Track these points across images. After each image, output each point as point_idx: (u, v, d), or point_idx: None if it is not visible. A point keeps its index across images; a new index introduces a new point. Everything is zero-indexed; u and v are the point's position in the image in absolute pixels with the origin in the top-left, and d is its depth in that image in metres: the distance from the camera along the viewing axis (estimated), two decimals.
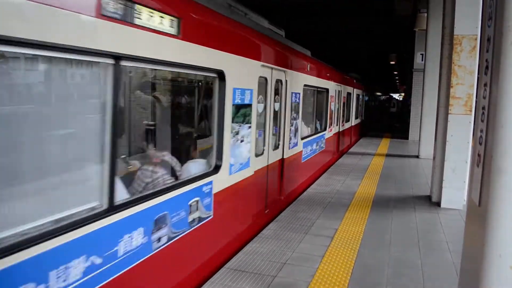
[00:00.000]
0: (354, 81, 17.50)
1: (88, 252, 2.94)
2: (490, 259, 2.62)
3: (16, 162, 2.80)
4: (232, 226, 5.50)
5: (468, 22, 7.40)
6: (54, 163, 3.13)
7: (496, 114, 2.58)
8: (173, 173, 4.50)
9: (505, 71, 2.54)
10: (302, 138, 8.87)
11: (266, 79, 6.36)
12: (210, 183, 4.69)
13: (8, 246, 2.40)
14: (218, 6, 4.92)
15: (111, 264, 3.18)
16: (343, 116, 14.70)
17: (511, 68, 2.53)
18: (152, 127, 5.05)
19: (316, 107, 10.97)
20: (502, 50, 2.54)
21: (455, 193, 7.71)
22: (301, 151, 8.83)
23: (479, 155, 2.80)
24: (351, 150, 16.01)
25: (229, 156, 5.12)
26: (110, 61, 3.08)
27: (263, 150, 6.45)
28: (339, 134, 14.14)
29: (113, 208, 3.19)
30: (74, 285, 2.83)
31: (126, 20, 3.17)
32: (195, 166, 4.80)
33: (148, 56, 3.51)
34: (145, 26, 3.40)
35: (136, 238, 3.46)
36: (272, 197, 6.95)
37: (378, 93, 41.06)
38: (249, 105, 5.62)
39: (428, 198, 8.50)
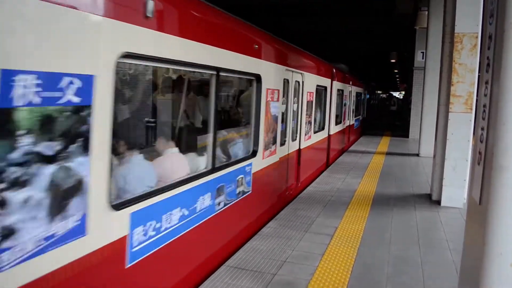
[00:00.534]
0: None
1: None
2: (490, 257, 2.61)
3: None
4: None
5: (469, 20, 7.38)
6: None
7: (497, 111, 2.56)
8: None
9: (507, 68, 2.52)
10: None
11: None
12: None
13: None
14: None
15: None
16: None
17: None
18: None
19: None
20: (504, 47, 2.53)
21: (456, 191, 7.70)
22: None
23: (480, 153, 2.79)
24: (352, 148, 16.01)
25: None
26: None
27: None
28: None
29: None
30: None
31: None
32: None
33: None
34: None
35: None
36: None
37: (379, 91, 41.06)
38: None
39: (428, 196, 8.50)
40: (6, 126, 2.24)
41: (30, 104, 2.34)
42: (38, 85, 2.36)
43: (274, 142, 6.77)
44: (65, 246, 2.65)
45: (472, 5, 7.39)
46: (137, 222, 3.40)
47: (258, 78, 5.93)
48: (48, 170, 2.49)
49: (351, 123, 17.00)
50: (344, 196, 8.22)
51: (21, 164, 2.32)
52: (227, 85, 7.40)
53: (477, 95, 7.21)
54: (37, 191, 2.42)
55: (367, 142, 17.85)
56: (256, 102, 6.00)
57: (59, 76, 2.51)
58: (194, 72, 5.65)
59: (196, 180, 4.38)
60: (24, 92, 2.29)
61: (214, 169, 4.77)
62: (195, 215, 4.36)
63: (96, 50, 2.84)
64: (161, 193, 3.75)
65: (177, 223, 4.02)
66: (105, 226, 3.04)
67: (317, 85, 9.83)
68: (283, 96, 7.15)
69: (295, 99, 8.06)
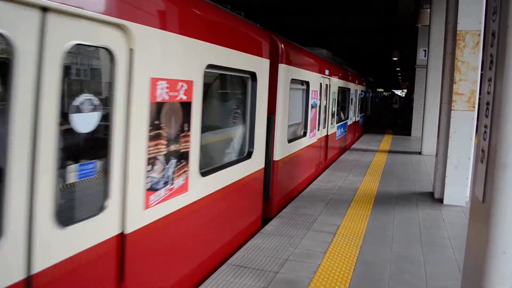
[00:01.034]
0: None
1: None
2: (494, 256, 2.60)
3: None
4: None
5: (472, 18, 7.35)
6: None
7: (500, 109, 2.55)
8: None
9: (510, 66, 2.51)
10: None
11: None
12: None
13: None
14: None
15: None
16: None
17: None
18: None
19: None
20: (507, 44, 2.51)
21: (458, 189, 7.69)
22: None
23: (483, 151, 2.78)
24: (354, 146, 16.00)
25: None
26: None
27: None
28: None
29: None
30: None
31: None
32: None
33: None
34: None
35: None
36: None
37: (380, 89, 40.98)
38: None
39: (430, 194, 8.48)
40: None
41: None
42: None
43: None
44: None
45: (475, 3, 7.36)
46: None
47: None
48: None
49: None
50: (346, 194, 8.22)
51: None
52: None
53: (479, 93, 7.19)
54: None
55: (369, 140, 17.83)
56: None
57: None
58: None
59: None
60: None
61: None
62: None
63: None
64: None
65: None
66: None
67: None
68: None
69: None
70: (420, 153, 14.28)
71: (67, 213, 2.83)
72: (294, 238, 5.68)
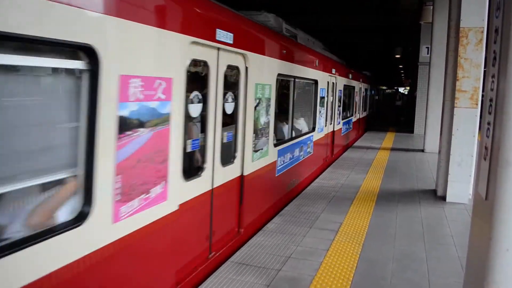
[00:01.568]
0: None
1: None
2: (497, 254, 2.59)
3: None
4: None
5: (475, 15, 7.31)
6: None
7: (504, 106, 2.53)
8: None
9: None
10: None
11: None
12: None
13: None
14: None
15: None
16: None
17: None
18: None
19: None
20: (511, 41, 2.50)
21: (461, 187, 7.66)
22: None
23: (486, 148, 2.76)
24: (356, 144, 15.97)
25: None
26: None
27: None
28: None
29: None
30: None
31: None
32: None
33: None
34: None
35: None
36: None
37: (383, 87, 40.90)
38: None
39: (433, 192, 8.46)
40: None
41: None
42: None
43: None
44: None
45: (478, 0, 7.33)
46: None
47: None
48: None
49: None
50: (349, 191, 8.21)
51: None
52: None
53: (483, 90, 7.16)
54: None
55: (372, 138, 17.79)
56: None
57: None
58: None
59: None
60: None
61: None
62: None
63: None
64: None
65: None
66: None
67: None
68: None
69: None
70: (423, 150, 14.25)
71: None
72: (297, 236, 5.68)
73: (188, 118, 4.07)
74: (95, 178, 2.81)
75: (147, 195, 3.36)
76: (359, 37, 25.88)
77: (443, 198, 7.86)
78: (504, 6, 2.61)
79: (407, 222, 6.50)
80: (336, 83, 11.76)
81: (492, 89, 2.74)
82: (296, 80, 7.95)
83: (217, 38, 4.41)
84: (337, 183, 8.95)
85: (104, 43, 2.78)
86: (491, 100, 2.74)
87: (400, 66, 40.91)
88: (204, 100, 4.34)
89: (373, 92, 23.83)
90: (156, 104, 3.39)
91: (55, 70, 2.70)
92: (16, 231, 2.49)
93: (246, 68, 5.25)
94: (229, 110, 4.94)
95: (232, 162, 5.12)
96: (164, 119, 3.50)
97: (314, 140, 9.53)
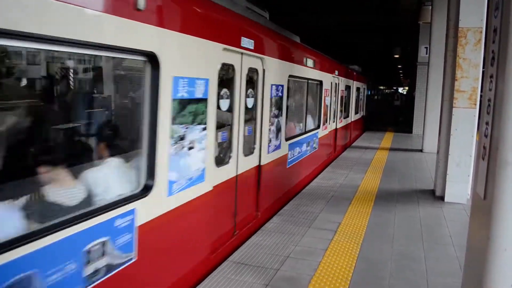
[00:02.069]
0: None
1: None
2: (495, 253, 2.59)
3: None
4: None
5: (473, 15, 7.31)
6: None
7: (502, 106, 2.54)
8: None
9: None
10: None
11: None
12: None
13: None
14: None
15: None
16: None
17: None
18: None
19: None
20: (509, 40, 2.50)
21: (459, 187, 7.67)
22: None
23: (484, 147, 2.76)
24: (355, 144, 15.98)
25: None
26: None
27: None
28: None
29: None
30: None
31: None
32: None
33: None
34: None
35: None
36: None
37: (382, 87, 40.91)
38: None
39: (431, 192, 8.47)
40: None
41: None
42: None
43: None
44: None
45: (476, 0, 7.33)
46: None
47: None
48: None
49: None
50: (347, 191, 8.21)
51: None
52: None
53: (481, 90, 7.17)
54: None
55: (370, 138, 17.81)
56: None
57: None
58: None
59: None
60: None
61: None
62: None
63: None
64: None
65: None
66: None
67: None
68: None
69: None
70: (421, 150, 14.26)
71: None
72: (295, 236, 5.68)
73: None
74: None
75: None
76: (358, 37, 25.87)
77: (442, 198, 7.87)
78: (502, 6, 2.61)
79: (405, 222, 6.51)
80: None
81: (490, 89, 2.74)
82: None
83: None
84: (335, 182, 8.95)
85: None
86: (489, 100, 2.74)
87: (399, 66, 40.95)
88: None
89: (370, 92, 23.72)
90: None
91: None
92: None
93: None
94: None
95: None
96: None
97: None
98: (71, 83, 4.09)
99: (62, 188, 2.98)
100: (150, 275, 3.57)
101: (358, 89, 17.50)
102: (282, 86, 6.82)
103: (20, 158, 3.25)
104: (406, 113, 26.67)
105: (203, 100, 4.19)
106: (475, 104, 7.45)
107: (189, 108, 3.93)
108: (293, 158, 7.88)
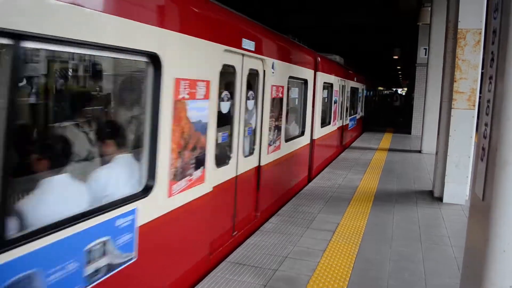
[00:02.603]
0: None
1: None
2: (493, 254, 2.59)
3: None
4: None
5: (473, 16, 7.33)
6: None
7: (501, 107, 2.54)
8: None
9: (511, 63, 2.49)
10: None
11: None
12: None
13: None
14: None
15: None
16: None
17: None
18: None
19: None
20: (508, 42, 2.50)
21: (458, 188, 7.68)
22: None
23: (483, 149, 2.76)
24: (353, 144, 15.98)
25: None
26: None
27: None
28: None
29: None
30: None
31: None
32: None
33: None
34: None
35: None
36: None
37: (381, 88, 40.96)
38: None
39: (430, 193, 8.48)
40: None
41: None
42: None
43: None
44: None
45: (476, 1, 7.33)
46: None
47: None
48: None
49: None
50: (346, 192, 8.21)
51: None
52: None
53: (480, 92, 7.18)
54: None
55: (369, 139, 17.81)
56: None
57: None
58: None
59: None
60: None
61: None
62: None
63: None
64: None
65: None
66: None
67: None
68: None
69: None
70: (420, 151, 14.27)
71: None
72: (293, 236, 5.68)
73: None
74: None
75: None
76: (358, 37, 25.87)
77: (440, 199, 7.87)
78: (502, 7, 2.61)
79: (404, 222, 6.51)
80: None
81: (489, 90, 2.75)
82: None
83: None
84: (334, 183, 8.95)
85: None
86: (488, 101, 2.75)
87: (398, 67, 40.98)
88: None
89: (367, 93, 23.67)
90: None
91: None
92: None
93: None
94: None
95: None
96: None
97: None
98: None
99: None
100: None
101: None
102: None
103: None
104: (406, 114, 26.70)
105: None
106: (474, 105, 7.46)
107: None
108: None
